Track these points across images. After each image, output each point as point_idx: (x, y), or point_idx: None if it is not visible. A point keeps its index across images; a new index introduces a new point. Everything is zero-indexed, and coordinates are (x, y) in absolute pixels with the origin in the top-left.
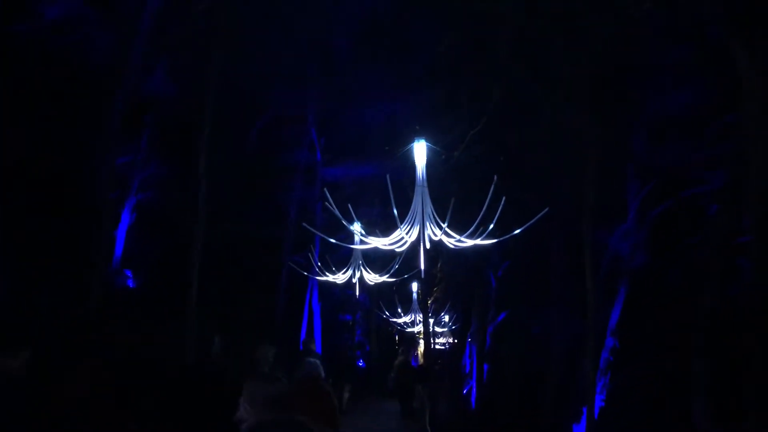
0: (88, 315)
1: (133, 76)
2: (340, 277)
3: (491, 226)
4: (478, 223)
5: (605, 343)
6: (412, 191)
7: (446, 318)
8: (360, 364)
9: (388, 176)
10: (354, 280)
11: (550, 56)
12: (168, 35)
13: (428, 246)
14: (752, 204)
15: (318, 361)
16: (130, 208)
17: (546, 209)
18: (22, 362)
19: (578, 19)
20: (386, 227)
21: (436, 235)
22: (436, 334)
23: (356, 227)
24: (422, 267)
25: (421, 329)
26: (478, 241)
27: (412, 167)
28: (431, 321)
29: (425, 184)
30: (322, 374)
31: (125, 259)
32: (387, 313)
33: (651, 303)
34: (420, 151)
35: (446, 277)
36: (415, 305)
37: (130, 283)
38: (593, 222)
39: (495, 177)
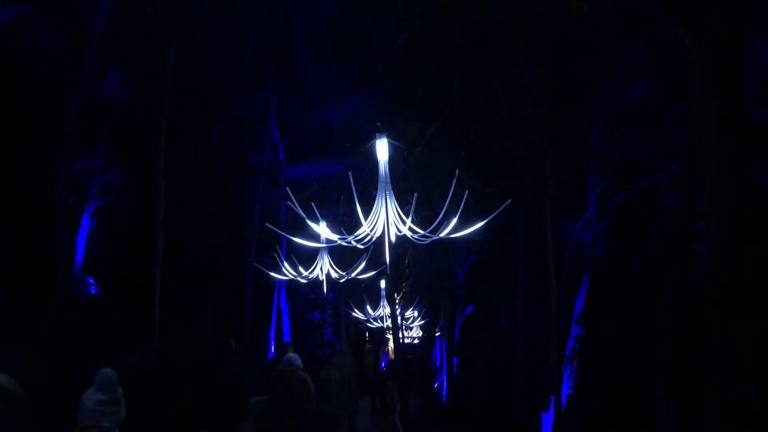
0: (51, 323)
1: (88, 80)
2: (307, 276)
3: (455, 220)
4: (442, 218)
5: (571, 332)
6: (376, 188)
7: (415, 313)
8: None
9: (350, 173)
10: (321, 279)
11: (506, 51)
12: (122, 39)
13: (393, 242)
14: (706, 191)
15: (296, 355)
16: (90, 214)
17: (508, 201)
18: (137, 358)
19: (532, 12)
20: (352, 224)
21: (400, 231)
22: (405, 329)
23: (321, 226)
24: (388, 263)
25: (390, 325)
26: (442, 236)
27: (375, 164)
28: (400, 317)
29: (388, 180)
30: (301, 365)
31: (87, 265)
32: (356, 310)
33: (613, 290)
34: (382, 147)
35: (414, 273)
36: (384, 301)
37: (93, 290)
38: (555, 213)
39: (457, 171)
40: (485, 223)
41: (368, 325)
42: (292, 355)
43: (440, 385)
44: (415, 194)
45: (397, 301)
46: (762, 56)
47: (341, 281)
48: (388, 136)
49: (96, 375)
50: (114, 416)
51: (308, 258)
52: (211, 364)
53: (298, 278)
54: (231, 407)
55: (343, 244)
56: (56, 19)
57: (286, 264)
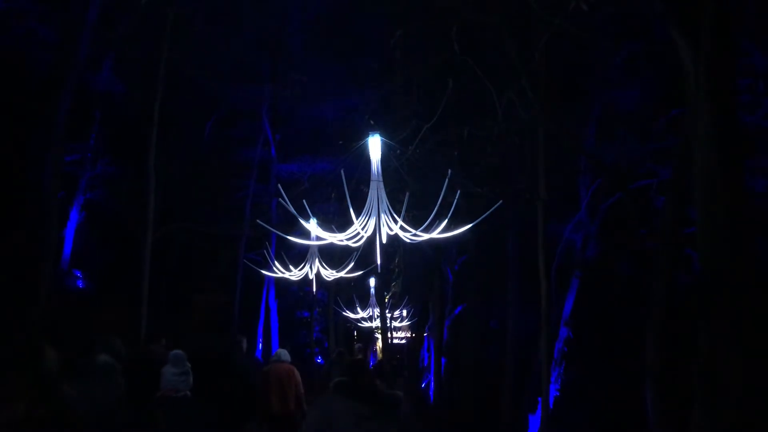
0: (36, 316)
1: (80, 71)
2: (296, 274)
3: (446, 220)
4: (434, 217)
5: (559, 334)
6: (368, 186)
7: (404, 313)
8: (318, 360)
9: (342, 171)
10: (311, 277)
11: (500, 51)
12: (115, 30)
13: (384, 241)
14: (697, 195)
15: (286, 351)
16: (79, 207)
17: (500, 202)
18: (162, 347)
19: (528, 12)
20: (343, 222)
21: (391, 230)
22: (394, 329)
23: (312, 224)
24: (379, 262)
25: (379, 324)
26: (434, 235)
27: (367, 162)
28: (389, 316)
29: (380, 178)
30: (289, 359)
31: (75, 259)
32: (345, 309)
33: (603, 293)
34: (374, 145)
35: (404, 272)
36: (373, 300)
37: (80, 284)
38: (546, 215)
39: (449, 171)
40: (476, 224)
41: (357, 324)
42: (281, 350)
43: (428, 385)
44: (407, 193)
45: (386, 300)
46: (755, 62)
47: (331, 279)
48: (380, 135)
49: (170, 355)
50: (185, 383)
51: (298, 255)
52: (224, 361)
53: (288, 276)
54: (242, 405)
55: (335, 242)
56: (50, 8)
57: (275, 261)
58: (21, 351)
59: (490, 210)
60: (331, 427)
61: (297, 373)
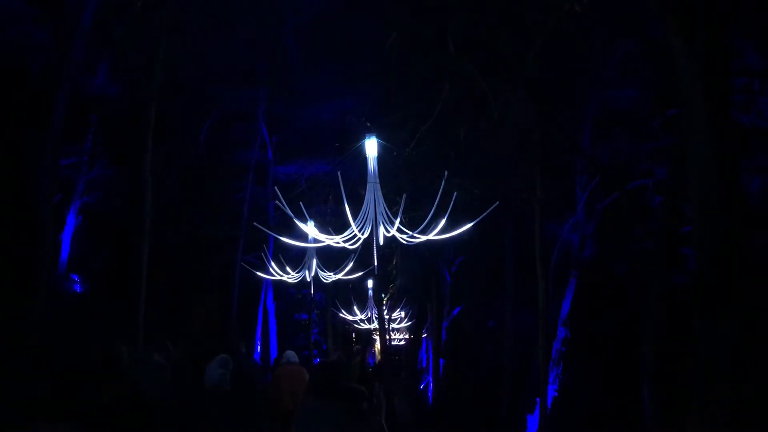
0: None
1: (76, 74)
2: (294, 276)
3: (443, 221)
4: (431, 219)
5: (557, 334)
6: (365, 188)
7: (402, 314)
8: (316, 363)
9: (339, 173)
10: (308, 279)
11: (496, 51)
12: (111, 33)
13: (381, 243)
14: (693, 195)
15: (293, 352)
16: (76, 211)
17: (497, 203)
18: (177, 354)
19: (523, 14)
20: (340, 224)
21: (388, 232)
22: (392, 330)
23: (309, 226)
24: (376, 263)
25: (377, 326)
26: (431, 236)
27: (364, 164)
28: (387, 317)
29: (377, 180)
30: (297, 360)
31: (72, 263)
32: (343, 311)
33: (600, 293)
34: (371, 147)
35: (401, 274)
36: (371, 302)
37: (78, 288)
38: (543, 215)
39: (446, 172)
40: (473, 224)
41: (355, 326)
42: (289, 352)
43: (426, 387)
44: (404, 195)
45: (384, 302)
46: (749, 61)
47: (328, 281)
48: (377, 136)
49: (219, 357)
50: (226, 381)
51: (296, 257)
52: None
53: (285, 278)
54: (251, 405)
55: (332, 244)
56: (44, 11)
57: (273, 263)
58: (104, 352)
59: (488, 210)
60: (312, 426)
61: (306, 373)
